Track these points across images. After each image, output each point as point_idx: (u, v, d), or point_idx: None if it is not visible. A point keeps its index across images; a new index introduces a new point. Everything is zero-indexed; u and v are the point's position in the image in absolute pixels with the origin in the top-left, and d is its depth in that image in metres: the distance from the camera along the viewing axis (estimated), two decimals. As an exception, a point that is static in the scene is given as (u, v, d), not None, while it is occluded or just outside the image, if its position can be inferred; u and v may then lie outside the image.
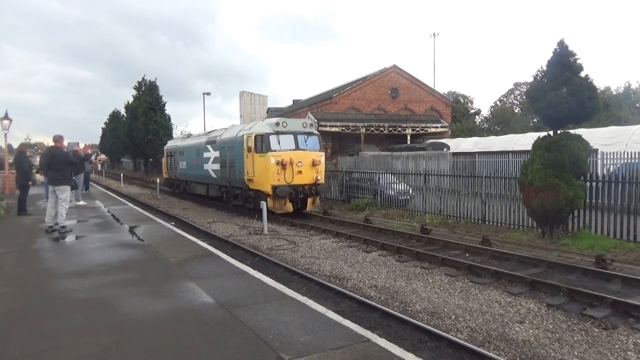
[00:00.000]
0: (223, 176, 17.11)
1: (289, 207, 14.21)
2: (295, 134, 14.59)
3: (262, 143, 14.17)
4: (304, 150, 14.53)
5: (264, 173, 14.04)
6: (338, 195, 19.33)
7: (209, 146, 18.59)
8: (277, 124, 14.38)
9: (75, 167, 10.31)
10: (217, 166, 17.67)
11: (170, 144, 26.86)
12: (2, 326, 4.61)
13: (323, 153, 15.29)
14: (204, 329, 4.45)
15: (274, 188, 13.80)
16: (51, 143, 10.98)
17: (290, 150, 14.24)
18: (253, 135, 14.54)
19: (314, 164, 14.48)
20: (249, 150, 14.63)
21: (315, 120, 30.26)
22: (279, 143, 14.24)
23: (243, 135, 15.23)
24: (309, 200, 14.75)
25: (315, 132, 15.47)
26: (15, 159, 15.01)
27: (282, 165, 13.85)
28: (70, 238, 9.64)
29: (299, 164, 14.16)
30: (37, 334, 4.38)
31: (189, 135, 24.36)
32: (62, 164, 10.13)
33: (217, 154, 17.62)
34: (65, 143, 13.18)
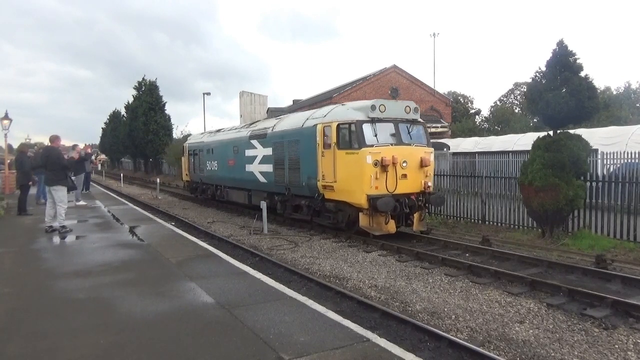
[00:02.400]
0: (278, 180, 12.94)
1: (391, 226, 10.13)
2: (395, 122, 10.46)
3: (350, 135, 10.15)
4: (408, 144, 10.42)
5: (354, 177, 9.99)
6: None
7: (255, 141, 14.46)
8: (373, 107, 10.18)
9: (69, 170, 10.24)
10: (267, 167, 13.61)
11: (193, 140, 22.21)
12: (2, 326, 4.61)
13: (432, 149, 11.04)
14: (204, 329, 4.45)
15: (371, 199, 9.70)
16: (49, 143, 10.99)
17: (390, 145, 10.15)
18: (334, 125, 10.42)
19: (422, 164, 10.41)
20: (327, 145, 10.70)
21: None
22: (376, 135, 10.12)
23: (315, 125, 11.11)
24: (416, 216, 10.67)
25: (420, 119, 11.19)
26: (16, 159, 15.02)
27: (383, 166, 9.81)
28: (70, 238, 9.64)
29: (404, 164, 10.11)
30: (37, 334, 4.38)
31: (219, 130, 19.51)
32: (55, 165, 10.14)
33: (267, 151, 13.53)
34: (65, 144, 13.19)
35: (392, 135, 10.33)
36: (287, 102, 59.07)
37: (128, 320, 4.75)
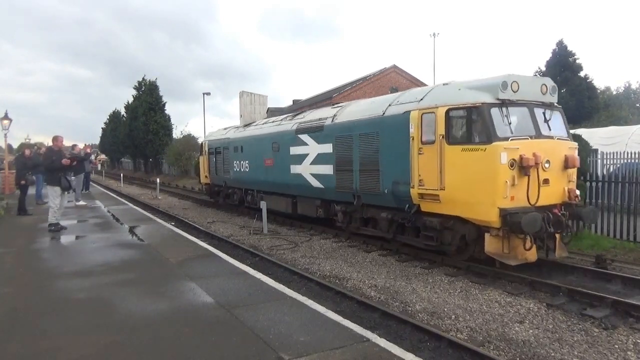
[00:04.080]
0: (342, 186, 10.11)
1: (533, 253, 7.35)
2: (530, 106, 7.60)
3: (471, 124, 7.36)
4: (549, 137, 7.57)
5: (478, 184, 7.20)
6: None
7: (304, 136, 11.53)
8: (505, 85, 7.32)
9: (61, 171, 10.21)
10: (324, 168, 10.70)
11: (215, 136, 19.13)
12: (2, 326, 4.61)
13: (576, 144, 8.11)
14: (204, 329, 4.45)
15: (507, 215, 6.89)
16: (51, 143, 11.10)
17: (529, 137, 7.34)
18: (441, 110, 7.64)
19: (567, 164, 7.59)
20: (426, 139, 7.85)
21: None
22: (509, 123, 7.31)
23: (407, 113, 8.25)
24: (558, 237, 7.81)
25: (557, 104, 8.20)
26: (16, 159, 15.04)
27: (522, 168, 7.01)
28: (70, 238, 9.65)
29: (546, 165, 7.26)
30: (37, 334, 4.39)
31: (250, 124, 16.46)
32: (48, 165, 10.38)
33: (325, 147, 10.70)
34: (65, 144, 13.21)
35: (528, 124, 7.46)
36: (287, 102, 59.12)
37: (128, 320, 4.75)
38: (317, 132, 11.07)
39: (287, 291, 5.79)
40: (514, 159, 6.99)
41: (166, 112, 46.45)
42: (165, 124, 45.35)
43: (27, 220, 12.43)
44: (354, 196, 9.87)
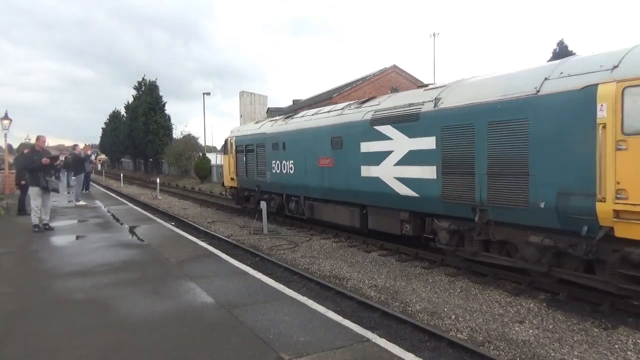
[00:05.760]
0: (453, 195, 7.45)
1: None
2: None
3: None
4: None
5: None
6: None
7: (385, 128, 8.90)
8: None
9: (39, 172, 10.09)
10: (420, 170, 8.09)
11: (244, 131, 16.07)
12: (2, 326, 4.61)
13: None
14: (204, 329, 4.45)
15: None
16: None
17: None
18: None
19: None
20: (636, 128, 5.22)
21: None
22: None
23: (592, 87, 5.59)
24: None
25: None
26: (16, 159, 15.05)
27: None
28: (70, 238, 9.66)
29: None
30: (37, 334, 4.39)
31: (292, 115, 13.78)
32: (27, 166, 10.44)
33: (422, 142, 8.05)
34: (65, 144, 13.20)
35: None
36: (286, 102, 59.15)
37: (128, 320, 4.75)
38: (409, 121, 8.35)
39: (287, 291, 5.79)
40: None
41: (166, 112, 46.54)
42: (165, 124, 45.40)
43: (27, 220, 12.39)
44: (473, 210, 7.12)
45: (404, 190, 8.48)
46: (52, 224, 10.80)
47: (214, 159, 35.51)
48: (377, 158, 9.11)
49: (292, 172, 12.35)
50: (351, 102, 11.45)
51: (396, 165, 8.66)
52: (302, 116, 12.66)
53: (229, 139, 16.89)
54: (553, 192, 5.98)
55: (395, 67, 38.05)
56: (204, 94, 44.53)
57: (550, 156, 6.06)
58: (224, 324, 4.62)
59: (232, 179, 16.54)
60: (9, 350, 4.03)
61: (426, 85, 8.99)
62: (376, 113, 9.28)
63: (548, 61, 10.26)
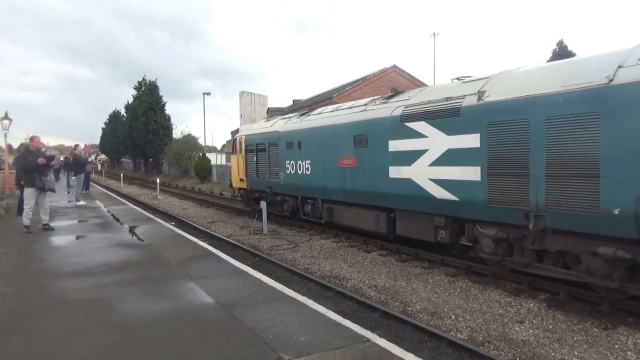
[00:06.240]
0: (500, 198, 6.60)
1: None
2: None
3: None
4: None
5: None
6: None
7: (419, 124, 8.03)
8: None
9: (33, 172, 10.01)
10: (462, 171, 7.18)
11: (255, 129, 15.10)
12: (2, 326, 4.61)
13: None
14: (204, 329, 4.46)
15: None
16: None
17: None
18: None
19: None
20: None
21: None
22: None
23: None
24: None
25: None
26: (16, 159, 15.05)
27: None
28: (70, 238, 9.66)
29: None
30: (37, 334, 4.39)
31: (309, 112, 12.66)
32: (22, 165, 10.41)
33: (464, 140, 7.15)
34: (65, 144, 13.20)
35: None
36: (286, 102, 59.15)
37: (128, 320, 4.76)
38: (447, 117, 7.50)
39: (287, 291, 5.80)
40: None
41: (166, 112, 46.55)
42: (165, 124, 45.41)
43: (27, 220, 12.44)
44: (526, 216, 6.28)
45: (440, 193, 7.62)
46: (52, 224, 10.82)
47: (214, 159, 35.56)
48: (409, 158, 8.25)
49: (308, 172, 11.47)
50: (375, 97, 10.61)
51: (431, 166, 7.80)
52: (320, 113, 11.78)
53: (238, 138, 15.97)
54: (631, 197, 5.13)
55: (395, 67, 38.07)
56: (204, 94, 44.50)
57: (627, 155, 5.18)
58: (224, 324, 4.62)
59: (241, 180, 15.70)
60: (9, 350, 4.03)
61: (459, 79, 8.23)
62: (407, 108, 8.41)
63: (547, 61, 10.21)
